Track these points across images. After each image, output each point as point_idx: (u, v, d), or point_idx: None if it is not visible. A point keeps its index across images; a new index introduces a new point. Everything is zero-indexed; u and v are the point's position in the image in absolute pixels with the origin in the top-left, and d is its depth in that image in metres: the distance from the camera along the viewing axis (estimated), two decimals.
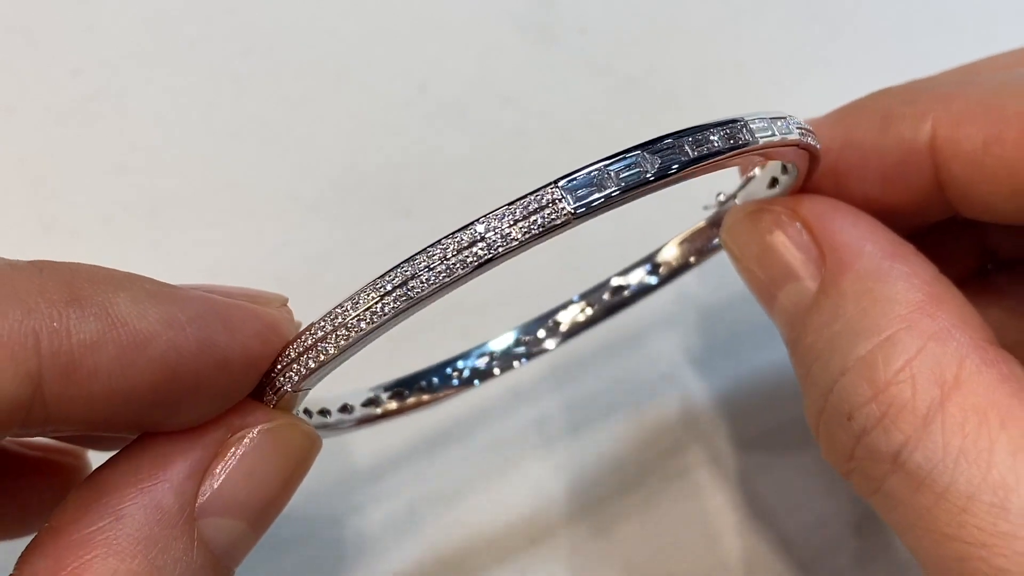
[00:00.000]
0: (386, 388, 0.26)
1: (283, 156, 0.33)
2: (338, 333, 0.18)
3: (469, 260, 0.18)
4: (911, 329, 0.20)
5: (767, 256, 0.22)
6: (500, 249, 0.18)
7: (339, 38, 0.35)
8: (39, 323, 0.16)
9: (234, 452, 0.18)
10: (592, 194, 0.18)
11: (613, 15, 0.36)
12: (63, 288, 0.17)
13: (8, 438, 0.22)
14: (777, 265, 0.22)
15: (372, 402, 0.26)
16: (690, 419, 0.30)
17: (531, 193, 0.18)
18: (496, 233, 0.18)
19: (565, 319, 0.28)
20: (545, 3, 0.35)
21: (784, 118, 0.20)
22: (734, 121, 0.19)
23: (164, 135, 0.33)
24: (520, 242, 0.18)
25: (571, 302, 0.29)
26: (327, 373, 0.19)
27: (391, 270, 0.18)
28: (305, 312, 0.31)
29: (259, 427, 0.19)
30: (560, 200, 0.18)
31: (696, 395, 0.30)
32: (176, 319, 0.17)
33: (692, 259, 0.28)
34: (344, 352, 0.18)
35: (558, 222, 0.18)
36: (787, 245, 0.22)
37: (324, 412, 0.24)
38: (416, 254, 0.18)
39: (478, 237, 0.18)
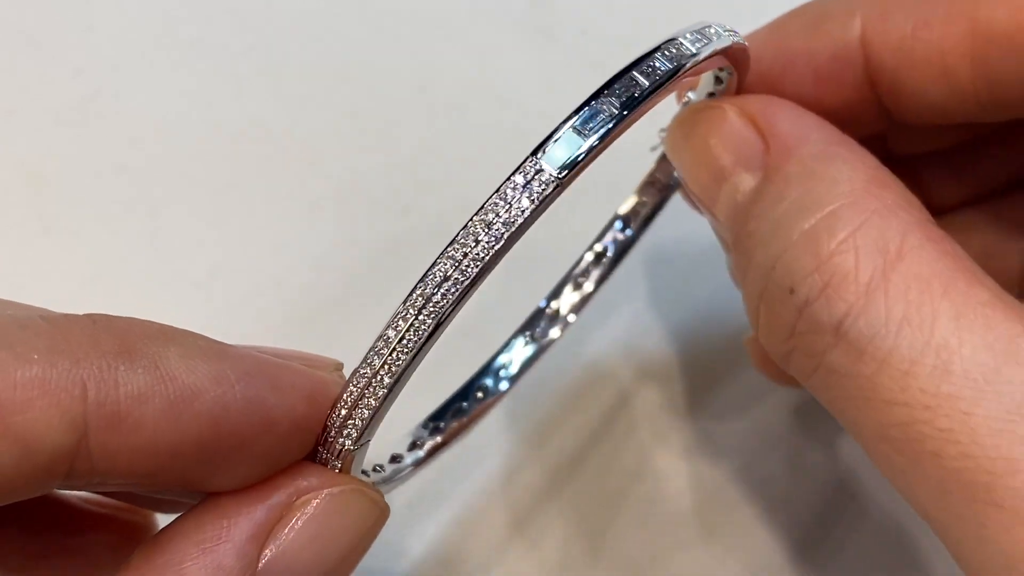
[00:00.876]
0: (423, 426, 0.26)
1: (283, 156, 0.33)
2: (380, 373, 0.18)
3: (481, 255, 0.18)
4: (855, 205, 0.20)
5: (709, 152, 0.22)
6: (505, 235, 0.18)
7: (339, 38, 0.35)
8: (87, 372, 0.16)
9: (299, 516, 0.18)
10: (571, 153, 0.18)
11: (613, 15, 0.36)
12: (114, 340, 0.17)
13: (75, 495, 0.23)
14: (720, 160, 0.22)
15: (415, 444, 0.26)
16: (680, 414, 0.30)
17: (514, 172, 0.18)
18: (496, 223, 0.18)
19: (563, 304, 0.28)
20: (545, 3, 0.36)
21: (708, 26, 0.20)
22: (668, 42, 0.19)
23: (164, 135, 0.33)
24: (521, 223, 0.18)
25: (560, 288, 0.29)
26: (382, 418, 0.19)
27: (409, 295, 0.18)
28: (306, 313, 0.31)
29: (325, 492, 0.18)
30: (543, 170, 0.18)
31: (679, 381, 0.30)
32: (225, 376, 0.17)
33: (660, 199, 0.28)
34: (393, 391, 0.18)
35: (549, 191, 0.18)
36: (729, 138, 0.22)
37: (378, 468, 0.24)
38: (427, 270, 0.18)
39: (481, 232, 0.18)
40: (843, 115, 0.23)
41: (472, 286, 0.18)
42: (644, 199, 0.28)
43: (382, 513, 0.19)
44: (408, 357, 0.18)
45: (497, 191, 0.18)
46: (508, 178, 0.18)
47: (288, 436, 0.18)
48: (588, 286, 0.29)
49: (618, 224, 0.29)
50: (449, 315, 0.18)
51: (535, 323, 0.28)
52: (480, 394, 0.27)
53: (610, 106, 0.18)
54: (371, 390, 0.18)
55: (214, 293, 0.31)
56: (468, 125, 0.34)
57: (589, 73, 0.34)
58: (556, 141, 0.18)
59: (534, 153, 0.18)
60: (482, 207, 0.18)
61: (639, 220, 0.28)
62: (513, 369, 0.28)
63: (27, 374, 0.16)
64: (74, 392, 0.16)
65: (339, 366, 0.20)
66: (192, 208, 0.32)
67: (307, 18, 0.35)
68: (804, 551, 0.29)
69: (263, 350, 0.19)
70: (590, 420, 0.30)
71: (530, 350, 0.28)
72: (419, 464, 0.25)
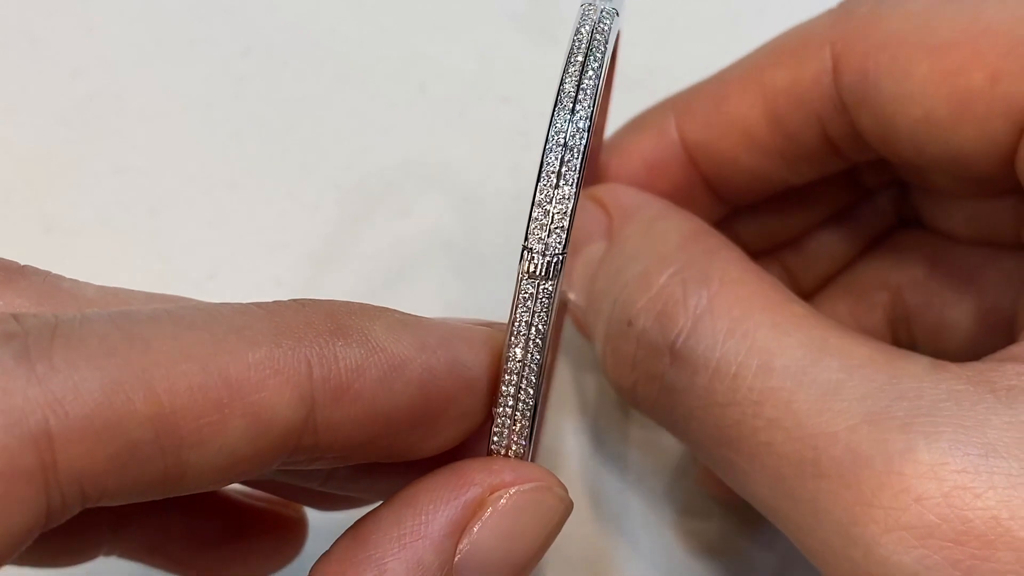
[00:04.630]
0: None
1: (283, 156, 0.33)
2: (534, 310, 0.19)
3: (586, 105, 0.19)
4: (681, 248, 0.23)
5: None
6: (602, 63, 0.19)
7: (339, 38, 0.35)
8: (310, 351, 0.17)
9: (491, 512, 0.19)
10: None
11: None
12: (326, 319, 0.18)
13: (236, 490, 0.24)
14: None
15: None
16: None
17: (574, 40, 0.19)
18: (586, 68, 0.19)
19: None
20: (545, 3, 0.36)
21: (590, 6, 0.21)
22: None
23: (164, 135, 0.33)
24: (610, 45, 0.19)
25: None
26: (547, 366, 0.19)
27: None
28: None
29: (515, 488, 0.19)
30: (599, 7, 0.19)
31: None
32: (427, 343, 0.18)
33: None
34: (550, 318, 0.19)
35: (611, 33, 0.19)
36: (579, 218, 0.24)
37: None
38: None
39: (577, 79, 0.19)
40: (677, 200, 0.26)
41: (584, 158, 0.19)
42: None
43: (567, 508, 0.20)
44: (552, 291, 0.18)
45: (569, 52, 0.19)
46: (574, 32, 0.19)
47: (484, 394, 0.19)
48: None
49: None
50: (576, 202, 0.18)
51: None
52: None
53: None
54: (533, 333, 0.19)
55: (214, 293, 0.31)
56: (468, 125, 0.34)
57: None
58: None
59: (585, 8, 0.19)
60: (563, 73, 0.19)
61: None
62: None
63: (258, 355, 0.17)
64: (301, 369, 0.17)
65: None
66: (192, 208, 0.32)
67: (307, 18, 0.35)
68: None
69: (447, 319, 0.20)
70: (587, 420, 0.30)
71: None
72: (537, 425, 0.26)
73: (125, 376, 0.16)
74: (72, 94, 0.34)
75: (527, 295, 0.19)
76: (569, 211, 0.19)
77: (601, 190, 0.25)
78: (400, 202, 0.33)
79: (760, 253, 0.28)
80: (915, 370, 0.20)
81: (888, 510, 0.18)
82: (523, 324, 0.19)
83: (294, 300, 0.18)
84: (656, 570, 0.29)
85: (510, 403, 0.19)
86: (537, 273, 0.19)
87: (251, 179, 0.33)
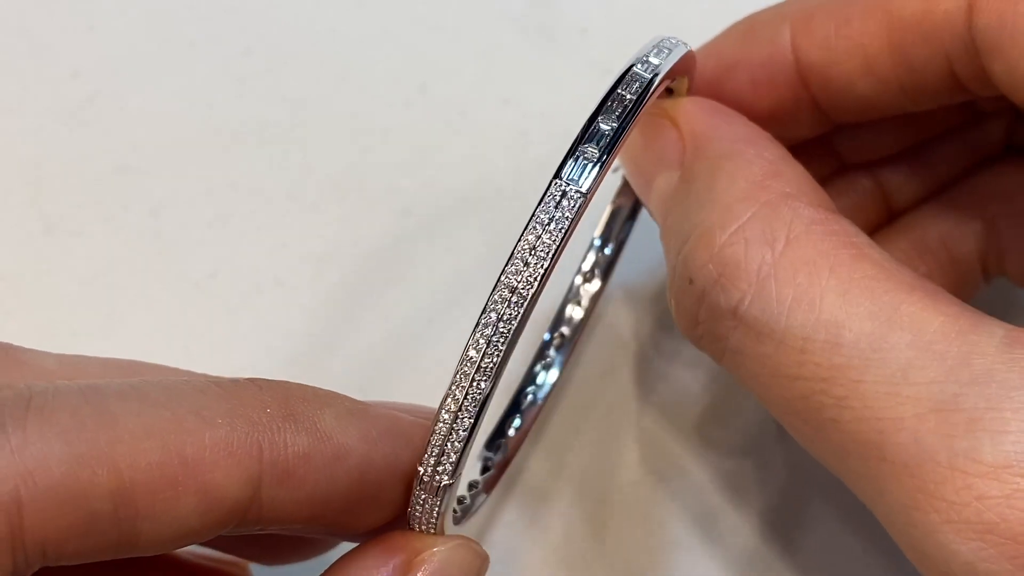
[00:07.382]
0: (487, 448, 0.27)
1: (283, 156, 0.33)
2: (464, 404, 0.19)
3: (534, 275, 0.19)
4: (747, 198, 0.21)
5: (642, 152, 0.24)
6: (551, 252, 0.19)
7: (339, 38, 0.35)
8: (262, 435, 0.19)
9: (419, 572, 0.20)
10: (586, 170, 0.20)
11: (613, 15, 0.36)
12: (280, 404, 0.19)
13: (185, 548, 0.25)
14: (650, 159, 0.24)
15: (486, 468, 0.27)
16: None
17: (543, 198, 0.19)
18: (539, 245, 0.19)
19: (575, 313, 0.29)
20: (545, 3, 0.36)
21: (663, 39, 0.22)
22: (637, 61, 0.21)
23: (164, 135, 0.33)
24: (562, 239, 0.19)
25: (565, 302, 0.30)
26: (471, 449, 0.20)
27: (476, 327, 0.19)
28: (306, 313, 0.31)
29: (436, 549, 0.20)
30: (567, 191, 0.19)
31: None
32: (370, 435, 0.20)
33: (630, 212, 0.29)
34: (477, 423, 0.20)
35: (577, 206, 0.19)
36: (654, 141, 0.24)
37: (461, 500, 0.25)
38: (488, 299, 0.19)
39: (528, 256, 0.19)
40: (782, 117, 0.25)
41: (531, 304, 0.19)
42: (615, 213, 0.29)
43: (484, 562, 0.21)
44: (488, 381, 0.19)
45: (533, 216, 0.19)
46: (539, 204, 0.19)
47: (414, 486, 0.20)
48: (597, 286, 0.30)
49: (597, 242, 0.30)
50: (516, 338, 0.19)
51: (555, 327, 0.29)
52: (529, 398, 0.28)
53: (608, 123, 0.20)
54: (458, 423, 0.20)
55: (214, 293, 0.31)
56: (468, 125, 0.34)
57: (589, 73, 0.35)
58: (572, 162, 0.20)
59: (555, 177, 0.20)
60: (522, 234, 0.19)
61: (616, 238, 0.30)
62: (550, 377, 0.29)
63: (215, 436, 0.18)
64: (252, 452, 0.18)
65: None
66: (192, 208, 0.32)
67: (307, 18, 0.35)
68: (797, 550, 0.29)
69: (393, 406, 0.21)
70: (592, 419, 0.30)
71: (551, 354, 0.29)
72: (490, 487, 0.27)
73: (92, 451, 0.17)
74: (72, 94, 0.34)
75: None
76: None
77: (678, 107, 0.24)
78: (400, 202, 0.33)
79: (855, 165, 0.27)
80: (987, 348, 0.19)
81: (950, 503, 0.19)
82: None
83: (251, 381, 0.19)
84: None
85: (432, 459, 0.20)
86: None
87: (251, 179, 0.33)
